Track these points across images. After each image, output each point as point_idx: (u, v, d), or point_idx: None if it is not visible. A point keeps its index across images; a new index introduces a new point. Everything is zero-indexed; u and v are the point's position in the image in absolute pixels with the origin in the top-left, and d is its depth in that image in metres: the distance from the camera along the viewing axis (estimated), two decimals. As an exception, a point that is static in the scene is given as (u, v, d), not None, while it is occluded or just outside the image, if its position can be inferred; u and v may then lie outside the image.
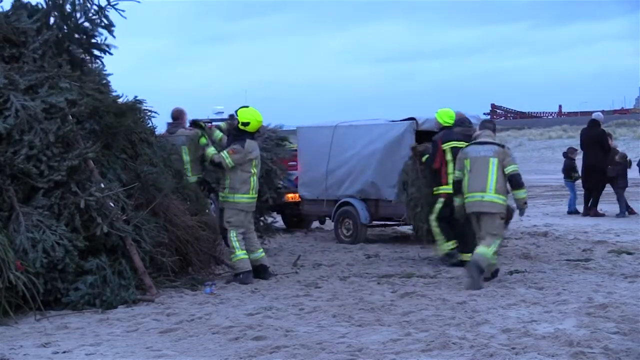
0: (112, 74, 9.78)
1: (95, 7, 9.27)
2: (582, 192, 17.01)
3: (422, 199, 10.69)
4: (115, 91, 9.63)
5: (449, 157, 10.33)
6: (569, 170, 17.91)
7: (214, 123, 16.17)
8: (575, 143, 20.02)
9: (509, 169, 9.11)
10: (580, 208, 17.03)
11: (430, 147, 10.69)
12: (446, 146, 10.38)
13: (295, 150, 14.18)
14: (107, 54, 9.53)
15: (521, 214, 9.41)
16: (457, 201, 9.43)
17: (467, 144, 9.75)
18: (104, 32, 9.37)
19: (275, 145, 12.11)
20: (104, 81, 9.63)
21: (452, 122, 10.65)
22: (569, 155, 18.30)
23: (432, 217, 10.39)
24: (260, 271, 9.53)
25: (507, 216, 9.42)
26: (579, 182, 17.39)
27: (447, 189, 10.15)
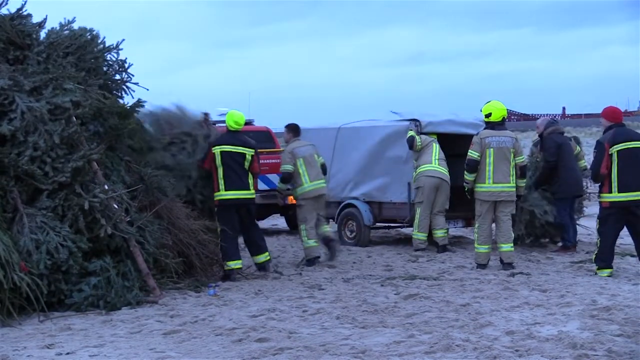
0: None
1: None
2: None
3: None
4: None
5: (218, 161, 9.63)
6: None
7: (218, 124, 16.20)
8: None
9: None
10: None
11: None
12: (216, 149, 9.68)
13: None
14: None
15: None
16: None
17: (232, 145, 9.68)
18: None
19: None
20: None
21: (237, 127, 9.92)
22: None
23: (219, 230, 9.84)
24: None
25: None
26: None
27: (219, 195, 9.64)
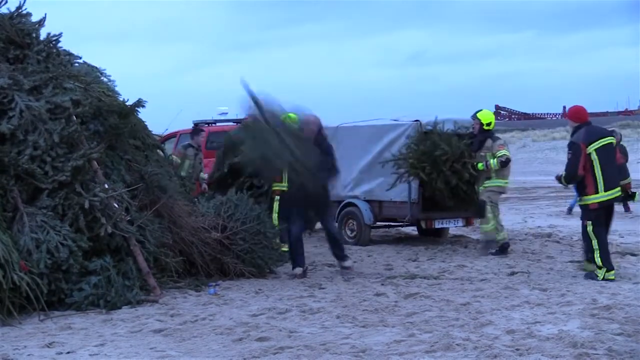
0: (115, 81, 9.90)
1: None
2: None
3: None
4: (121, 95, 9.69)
5: None
6: None
7: (217, 124, 16.26)
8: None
9: None
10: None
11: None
12: None
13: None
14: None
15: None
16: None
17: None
18: None
19: None
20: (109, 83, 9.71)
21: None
22: None
23: (274, 216, 10.54)
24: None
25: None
26: None
27: (281, 185, 10.52)
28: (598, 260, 9.01)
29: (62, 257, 7.69)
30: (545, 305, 7.65)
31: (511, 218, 16.36)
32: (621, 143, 18.54)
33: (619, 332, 6.48)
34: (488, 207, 11.16)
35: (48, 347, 6.42)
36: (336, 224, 10.88)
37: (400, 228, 14.37)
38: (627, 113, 67.35)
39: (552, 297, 8.08)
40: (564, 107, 76.22)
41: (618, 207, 17.38)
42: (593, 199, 9.04)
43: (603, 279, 8.91)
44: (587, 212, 9.15)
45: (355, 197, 12.97)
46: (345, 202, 13.07)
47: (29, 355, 6.21)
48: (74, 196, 8.14)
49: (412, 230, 14.28)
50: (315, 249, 12.37)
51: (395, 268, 10.29)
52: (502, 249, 11.27)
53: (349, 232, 13.03)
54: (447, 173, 11.31)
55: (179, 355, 6.13)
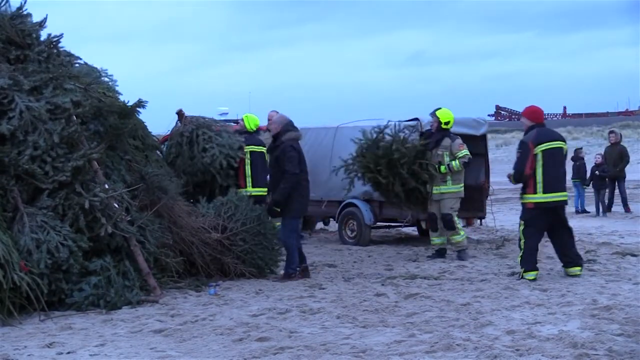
0: (116, 80, 9.91)
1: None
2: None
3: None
4: (121, 94, 9.70)
5: (248, 159, 10.99)
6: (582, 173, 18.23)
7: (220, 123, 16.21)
8: (580, 144, 20.11)
9: None
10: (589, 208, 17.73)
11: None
12: (247, 149, 11.00)
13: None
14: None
15: None
16: None
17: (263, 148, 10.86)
18: None
19: None
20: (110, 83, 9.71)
21: (255, 128, 11.36)
22: (578, 156, 18.54)
23: None
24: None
25: None
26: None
27: (251, 191, 10.77)
28: (519, 259, 9.19)
29: (62, 257, 7.70)
30: (545, 306, 7.65)
31: (511, 218, 16.35)
32: (621, 143, 18.61)
33: (619, 332, 6.49)
34: (455, 219, 11.03)
35: (48, 347, 6.43)
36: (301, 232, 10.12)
37: (400, 228, 14.38)
38: (627, 113, 67.29)
39: (552, 297, 8.08)
40: (564, 108, 76.30)
41: (618, 208, 17.48)
42: (530, 198, 9.12)
43: (521, 277, 9.03)
44: (524, 212, 9.26)
45: (356, 197, 12.97)
46: (345, 202, 13.07)
47: (29, 355, 6.21)
48: (74, 196, 8.15)
49: (412, 230, 14.28)
50: (316, 249, 12.39)
51: (395, 268, 10.29)
52: (440, 253, 11.19)
53: (349, 232, 13.04)
54: (405, 176, 10.97)
55: (179, 355, 6.13)
